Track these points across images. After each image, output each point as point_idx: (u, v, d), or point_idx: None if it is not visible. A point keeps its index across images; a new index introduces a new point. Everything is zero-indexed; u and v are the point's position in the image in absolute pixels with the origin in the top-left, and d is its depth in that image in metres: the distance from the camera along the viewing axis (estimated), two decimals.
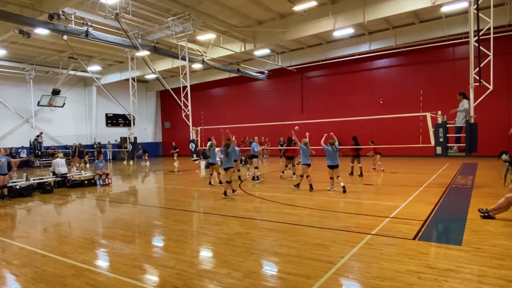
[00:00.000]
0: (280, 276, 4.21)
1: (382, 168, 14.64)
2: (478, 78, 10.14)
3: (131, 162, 25.19)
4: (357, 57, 21.02)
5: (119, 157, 28.28)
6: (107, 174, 13.64)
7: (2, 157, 10.21)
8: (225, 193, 9.57)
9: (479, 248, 4.85)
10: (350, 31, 17.97)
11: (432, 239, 5.47)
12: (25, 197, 10.88)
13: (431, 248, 4.99)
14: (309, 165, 10.42)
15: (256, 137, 13.91)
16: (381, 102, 21.72)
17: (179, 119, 29.02)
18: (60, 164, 13.01)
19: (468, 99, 10.26)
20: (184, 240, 5.84)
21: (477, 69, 10.14)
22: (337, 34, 18.42)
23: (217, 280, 4.10)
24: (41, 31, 15.26)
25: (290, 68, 23.71)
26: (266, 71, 24.82)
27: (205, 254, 5.25)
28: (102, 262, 4.98)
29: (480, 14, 9.98)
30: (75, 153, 21.00)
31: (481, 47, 10.00)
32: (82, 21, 14.83)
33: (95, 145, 26.52)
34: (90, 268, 4.67)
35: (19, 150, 23.14)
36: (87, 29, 14.94)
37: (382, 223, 6.28)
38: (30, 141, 23.77)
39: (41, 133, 24.57)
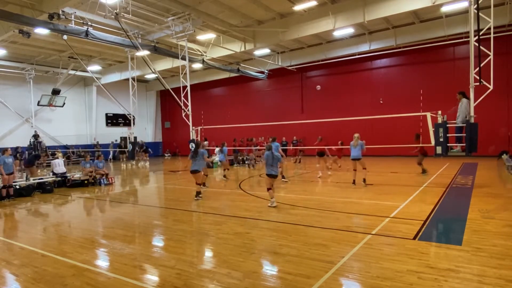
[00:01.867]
0: (280, 276, 4.20)
1: (339, 165, 15.18)
2: (478, 77, 10.12)
3: (133, 162, 25.13)
4: (357, 57, 20.99)
5: (119, 156, 28.26)
6: (107, 174, 13.65)
7: (9, 157, 10.27)
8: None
9: (479, 248, 4.85)
10: (350, 31, 17.96)
11: (432, 239, 5.46)
12: (25, 197, 10.88)
13: (431, 248, 4.99)
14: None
15: (275, 137, 12.78)
16: (381, 102, 21.72)
17: (179, 119, 29.03)
18: (57, 164, 13.07)
19: (468, 98, 10.25)
20: (184, 240, 5.83)
21: (477, 69, 10.12)
22: (337, 34, 18.40)
23: (217, 280, 4.10)
24: (41, 31, 15.25)
25: (290, 68, 23.70)
26: (266, 71, 24.80)
27: (205, 254, 5.25)
28: (102, 262, 4.98)
29: (480, 14, 9.97)
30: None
31: (481, 47, 9.99)
32: (82, 21, 14.82)
33: (95, 146, 26.59)
34: (90, 268, 4.67)
35: (26, 150, 23.04)
36: (87, 29, 14.92)
37: (382, 223, 6.28)
38: (30, 141, 23.72)
39: (35, 131, 24.35)
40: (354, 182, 10.98)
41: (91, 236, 6.29)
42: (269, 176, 8.27)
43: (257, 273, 4.31)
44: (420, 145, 12.75)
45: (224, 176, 13.85)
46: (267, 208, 8.12)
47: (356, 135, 11.11)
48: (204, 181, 11.12)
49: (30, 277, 4.42)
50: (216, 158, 20.46)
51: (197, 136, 18.42)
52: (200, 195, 9.51)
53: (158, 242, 5.91)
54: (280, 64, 23.27)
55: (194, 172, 9.42)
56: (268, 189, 8.33)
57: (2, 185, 10.32)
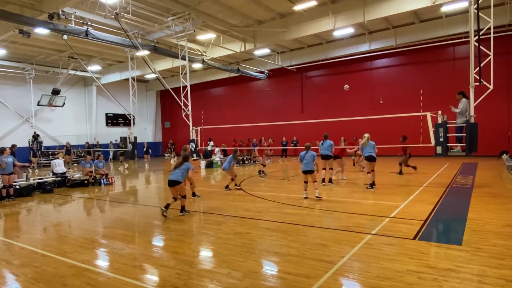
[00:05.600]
0: (280, 276, 4.19)
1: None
2: (478, 77, 10.13)
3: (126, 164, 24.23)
4: (357, 56, 21.02)
5: (119, 157, 28.18)
6: (107, 174, 13.65)
7: (8, 156, 10.27)
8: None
9: (479, 248, 4.84)
10: (350, 30, 17.95)
11: (432, 239, 5.46)
12: (25, 197, 10.87)
13: (431, 248, 4.98)
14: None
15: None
16: (381, 101, 21.71)
17: (179, 119, 28.96)
18: (57, 164, 13.10)
19: (468, 98, 10.24)
20: (184, 240, 5.81)
21: (477, 68, 10.13)
22: (337, 33, 18.40)
23: (217, 280, 4.09)
24: (41, 31, 15.22)
25: (290, 67, 23.71)
26: (266, 71, 24.81)
27: (205, 254, 5.23)
28: (102, 262, 4.97)
29: (480, 14, 9.98)
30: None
31: (481, 47, 9.99)
32: (82, 21, 14.80)
33: (94, 146, 26.49)
34: (90, 268, 4.65)
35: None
36: (87, 28, 14.90)
37: (382, 223, 6.27)
38: (29, 141, 23.69)
39: (35, 131, 24.30)
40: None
41: (91, 236, 6.26)
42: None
43: (257, 273, 4.29)
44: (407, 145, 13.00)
45: (227, 186, 11.31)
46: (266, 208, 8.12)
47: (366, 135, 10.73)
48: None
49: (30, 277, 4.39)
50: (216, 158, 20.47)
51: (197, 136, 18.43)
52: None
53: (158, 242, 5.89)
54: (280, 64, 23.28)
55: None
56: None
57: (2, 185, 10.31)
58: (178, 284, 3.99)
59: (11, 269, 4.72)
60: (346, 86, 18.53)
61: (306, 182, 9.09)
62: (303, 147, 9.22)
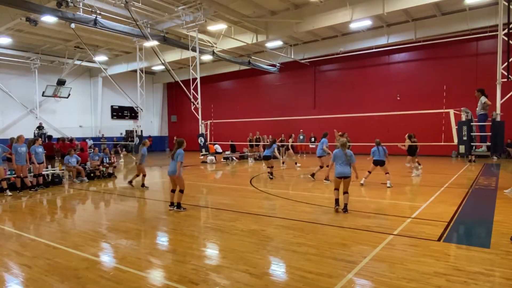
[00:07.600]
0: (300, 274, 3.99)
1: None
2: (506, 73, 9.80)
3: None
4: (374, 50, 20.19)
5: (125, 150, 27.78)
6: (113, 163, 13.46)
7: (22, 145, 9.80)
8: None
9: (509, 251, 4.58)
10: (367, 23, 17.33)
11: (458, 241, 5.33)
12: (33, 189, 10.46)
13: (458, 250, 4.78)
14: None
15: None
16: (398, 98, 20.89)
17: (186, 113, 28.50)
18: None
19: (487, 96, 9.96)
20: (197, 235, 5.67)
21: (505, 64, 9.78)
22: (354, 26, 17.77)
23: (234, 277, 3.95)
24: (49, 19, 14.84)
25: (303, 61, 22.97)
26: (278, 64, 24.14)
27: (221, 250, 5.03)
28: (115, 256, 4.81)
29: (510, 6, 9.57)
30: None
31: (510, 41, 9.64)
32: (90, 9, 14.41)
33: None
34: (103, 261, 4.59)
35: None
36: (96, 17, 14.49)
37: (403, 224, 6.02)
38: (34, 133, 23.29)
39: (41, 123, 23.96)
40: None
41: (102, 229, 6.13)
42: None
43: (276, 271, 4.19)
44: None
45: (270, 173, 12.07)
46: (280, 205, 7.92)
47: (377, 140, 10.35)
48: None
49: (43, 269, 4.26)
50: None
51: (206, 130, 17.95)
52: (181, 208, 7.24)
53: (170, 237, 5.75)
54: (292, 57, 22.55)
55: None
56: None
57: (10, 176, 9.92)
58: (194, 279, 3.87)
59: (23, 261, 4.57)
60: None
61: (337, 189, 6.99)
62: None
